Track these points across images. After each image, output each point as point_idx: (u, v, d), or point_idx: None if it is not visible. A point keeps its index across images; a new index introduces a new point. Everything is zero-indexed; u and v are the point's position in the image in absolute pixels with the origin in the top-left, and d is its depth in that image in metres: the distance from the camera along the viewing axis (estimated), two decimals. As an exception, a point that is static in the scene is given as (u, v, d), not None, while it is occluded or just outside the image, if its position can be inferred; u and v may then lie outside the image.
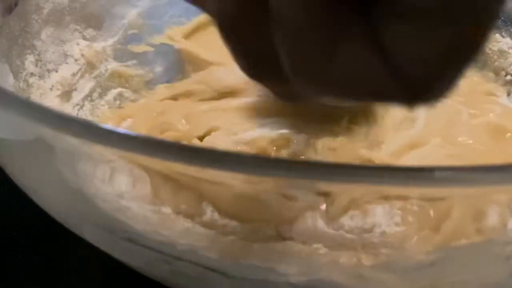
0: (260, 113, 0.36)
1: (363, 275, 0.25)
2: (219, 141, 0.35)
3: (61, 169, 0.25)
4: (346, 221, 0.26)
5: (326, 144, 0.34)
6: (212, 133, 0.36)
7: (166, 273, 0.27)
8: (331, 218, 0.26)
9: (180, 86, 0.43)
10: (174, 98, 0.41)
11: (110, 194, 0.26)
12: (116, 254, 0.28)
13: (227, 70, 0.40)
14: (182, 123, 0.38)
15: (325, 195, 0.26)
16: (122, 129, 0.38)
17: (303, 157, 0.34)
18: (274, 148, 0.35)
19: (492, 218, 0.25)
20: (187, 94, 0.41)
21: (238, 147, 0.34)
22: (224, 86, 0.40)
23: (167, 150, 0.18)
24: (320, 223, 0.26)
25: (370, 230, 0.25)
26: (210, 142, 0.35)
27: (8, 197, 0.38)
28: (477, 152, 0.35)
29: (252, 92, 0.38)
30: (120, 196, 0.26)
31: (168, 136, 0.37)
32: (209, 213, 0.27)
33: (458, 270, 0.25)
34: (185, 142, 0.36)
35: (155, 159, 0.21)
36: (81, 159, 0.25)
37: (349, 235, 0.25)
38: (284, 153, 0.34)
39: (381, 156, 0.33)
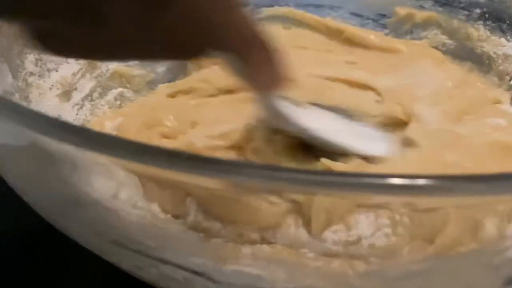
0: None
1: (351, 283, 0.24)
2: (195, 137, 0.36)
3: (54, 172, 0.25)
4: (329, 235, 0.25)
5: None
6: (192, 130, 0.37)
7: (154, 276, 0.26)
8: (313, 235, 0.25)
9: (182, 84, 0.43)
10: (172, 95, 0.42)
11: (101, 196, 0.26)
12: (105, 257, 0.28)
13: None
14: (169, 119, 0.38)
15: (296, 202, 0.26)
16: (106, 130, 0.38)
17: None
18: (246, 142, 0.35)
19: (490, 229, 0.25)
20: (187, 92, 0.42)
21: (214, 142, 0.35)
22: (226, 84, 0.40)
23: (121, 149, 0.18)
24: (303, 233, 0.25)
25: (356, 242, 0.25)
26: (187, 139, 0.36)
27: (8, 197, 0.38)
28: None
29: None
30: (111, 197, 0.26)
31: (155, 131, 0.37)
32: (193, 214, 0.27)
33: (447, 279, 0.25)
34: (169, 138, 0.37)
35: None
36: (71, 162, 0.25)
37: (334, 247, 0.25)
38: (248, 147, 0.34)
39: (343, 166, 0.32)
